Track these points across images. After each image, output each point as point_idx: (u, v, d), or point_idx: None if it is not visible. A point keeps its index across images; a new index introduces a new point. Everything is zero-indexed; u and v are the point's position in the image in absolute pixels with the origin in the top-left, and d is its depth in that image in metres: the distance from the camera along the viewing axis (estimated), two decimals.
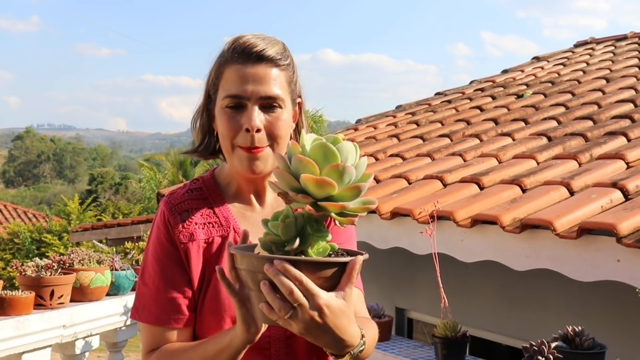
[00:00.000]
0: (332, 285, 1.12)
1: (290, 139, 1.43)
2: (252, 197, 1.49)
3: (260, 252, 1.14)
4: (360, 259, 1.14)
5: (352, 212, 1.13)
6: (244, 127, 1.36)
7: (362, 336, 1.21)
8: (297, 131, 1.49)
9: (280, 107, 1.39)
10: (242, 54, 1.37)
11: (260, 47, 1.37)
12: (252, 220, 1.47)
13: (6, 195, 43.04)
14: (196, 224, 1.42)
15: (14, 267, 3.25)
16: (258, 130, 1.35)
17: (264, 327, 1.25)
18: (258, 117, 1.36)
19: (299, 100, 1.48)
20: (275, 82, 1.38)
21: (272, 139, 1.38)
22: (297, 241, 1.11)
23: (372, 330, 1.36)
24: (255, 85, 1.36)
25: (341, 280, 1.12)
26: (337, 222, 1.16)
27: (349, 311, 1.14)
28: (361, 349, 1.19)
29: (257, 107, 1.36)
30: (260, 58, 1.37)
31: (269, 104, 1.38)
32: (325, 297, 1.10)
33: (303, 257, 1.11)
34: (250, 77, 1.36)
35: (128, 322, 3.66)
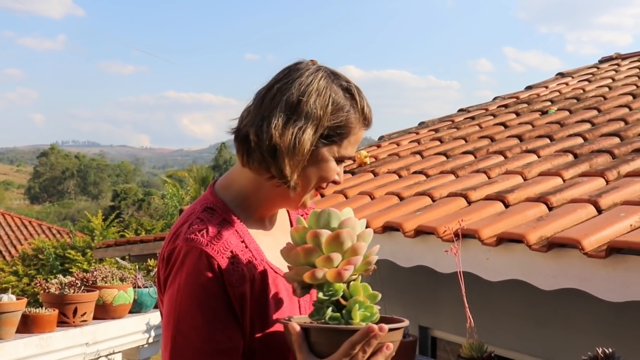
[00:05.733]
0: None
1: None
2: (267, 221, 1.49)
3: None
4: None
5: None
6: (335, 180, 1.41)
7: None
8: None
9: None
10: (369, 123, 1.42)
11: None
12: (266, 243, 1.43)
13: (31, 211, 43.57)
14: (240, 263, 1.33)
15: (38, 284, 3.27)
16: None
17: None
18: None
19: None
20: None
21: None
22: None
23: None
24: None
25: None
26: None
27: None
28: None
29: None
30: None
31: None
32: None
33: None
34: None
35: (150, 340, 3.66)
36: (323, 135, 1.34)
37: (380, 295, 1.29)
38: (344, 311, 1.25)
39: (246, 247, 1.37)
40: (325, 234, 1.25)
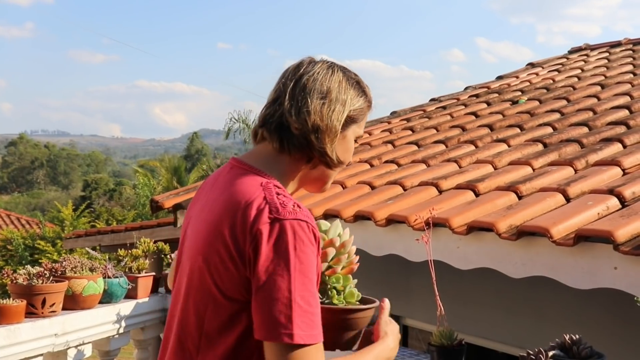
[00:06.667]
0: None
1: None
2: None
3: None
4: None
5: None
6: (350, 161, 1.69)
7: None
8: None
9: None
10: (372, 106, 1.68)
11: None
12: None
13: None
14: None
15: (6, 275, 3.21)
16: None
17: None
18: None
19: None
20: None
21: None
22: None
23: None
24: None
25: None
26: None
27: None
28: None
29: None
30: None
31: None
32: None
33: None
34: None
35: (121, 330, 3.63)
36: (348, 117, 1.59)
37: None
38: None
39: None
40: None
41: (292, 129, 1.52)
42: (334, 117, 1.54)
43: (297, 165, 1.58)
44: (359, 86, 1.63)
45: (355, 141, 1.66)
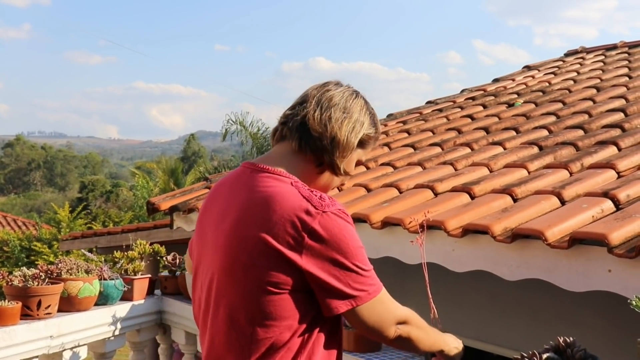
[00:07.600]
0: None
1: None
2: None
3: None
4: None
5: None
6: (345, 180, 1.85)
7: None
8: None
9: None
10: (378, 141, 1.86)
11: None
12: None
13: None
14: None
15: (1, 276, 3.21)
16: None
17: None
18: None
19: None
20: None
21: None
22: None
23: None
24: None
25: None
26: None
27: None
28: None
29: None
30: None
31: None
32: None
33: None
34: None
35: (117, 332, 3.62)
36: (360, 139, 1.74)
37: None
38: None
39: None
40: None
41: (312, 131, 1.67)
42: (352, 134, 1.71)
43: (308, 166, 1.71)
44: (374, 119, 1.80)
45: (356, 165, 1.81)
